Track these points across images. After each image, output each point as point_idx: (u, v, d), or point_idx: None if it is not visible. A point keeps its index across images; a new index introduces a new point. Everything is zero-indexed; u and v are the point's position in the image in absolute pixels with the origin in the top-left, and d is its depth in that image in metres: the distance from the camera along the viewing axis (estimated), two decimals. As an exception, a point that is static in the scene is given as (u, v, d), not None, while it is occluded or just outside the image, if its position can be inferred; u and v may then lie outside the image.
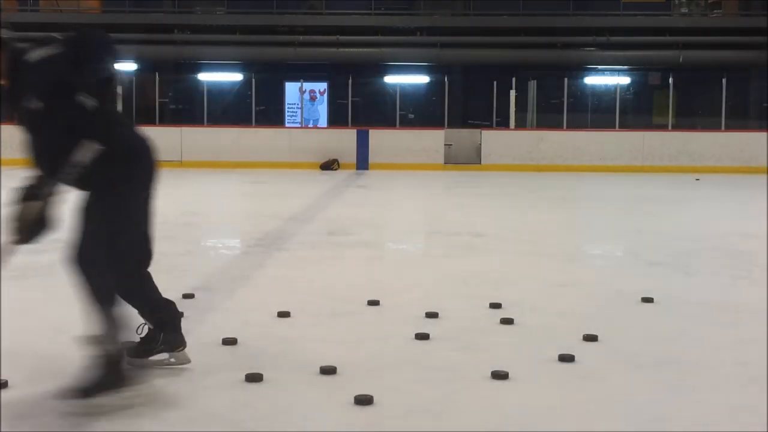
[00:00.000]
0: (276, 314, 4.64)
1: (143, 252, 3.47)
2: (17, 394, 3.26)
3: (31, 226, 3.18)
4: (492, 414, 3.16)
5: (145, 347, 3.54)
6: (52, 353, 3.87)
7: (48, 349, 3.94)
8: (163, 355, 3.56)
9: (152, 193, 3.43)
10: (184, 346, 3.59)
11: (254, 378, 3.44)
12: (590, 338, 4.17)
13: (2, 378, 3.34)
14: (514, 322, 4.49)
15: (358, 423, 3.05)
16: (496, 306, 4.87)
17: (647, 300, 5.06)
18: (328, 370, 3.57)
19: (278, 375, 3.54)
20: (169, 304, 3.60)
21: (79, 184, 3.24)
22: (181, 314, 3.65)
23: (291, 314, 4.61)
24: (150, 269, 3.54)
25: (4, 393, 3.25)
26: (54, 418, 3.04)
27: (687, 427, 3.04)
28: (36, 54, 3.12)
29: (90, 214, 3.25)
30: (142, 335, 3.53)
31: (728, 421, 3.14)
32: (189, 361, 3.60)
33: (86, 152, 3.12)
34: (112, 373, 3.12)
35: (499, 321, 4.51)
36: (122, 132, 3.33)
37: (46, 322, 4.46)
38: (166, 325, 3.53)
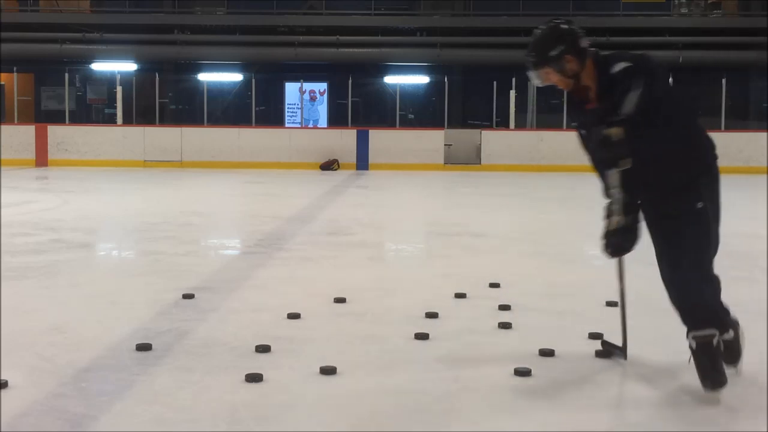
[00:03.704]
0: (276, 314, 4.64)
1: None
2: (17, 394, 3.26)
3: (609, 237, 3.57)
4: (492, 413, 3.16)
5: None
6: (52, 353, 3.87)
7: (48, 349, 3.94)
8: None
9: None
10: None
11: (254, 378, 3.44)
12: (591, 338, 4.18)
13: (2, 378, 3.34)
14: (514, 322, 4.49)
15: (358, 423, 3.04)
16: (496, 306, 4.87)
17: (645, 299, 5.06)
18: (328, 370, 3.57)
19: (278, 375, 3.54)
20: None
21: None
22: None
23: (291, 314, 4.60)
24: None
25: (4, 393, 3.25)
26: (54, 418, 3.04)
27: (687, 427, 3.04)
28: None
29: None
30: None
31: (728, 421, 3.13)
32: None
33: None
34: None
35: (499, 321, 4.51)
36: None
37: (46, 322, 4.45)
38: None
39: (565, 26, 3.41)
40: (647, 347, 4.10)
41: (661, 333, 4.41)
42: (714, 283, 3.39)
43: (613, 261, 3.80)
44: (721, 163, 3.47)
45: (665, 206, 3.38)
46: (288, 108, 22.95)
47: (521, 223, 9.65)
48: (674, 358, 3.93)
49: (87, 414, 3.08)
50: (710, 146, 3.42)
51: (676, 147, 3.33)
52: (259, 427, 2.99)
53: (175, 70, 22.83)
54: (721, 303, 3.43)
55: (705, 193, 3.31)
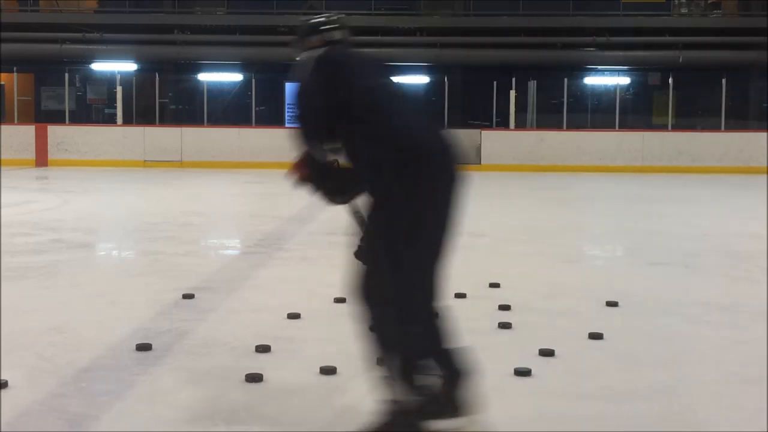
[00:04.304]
0: (276, 314, 4.64)
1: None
2: (17, 394, 3.26)
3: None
4: (492, 414, 3.16)
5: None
6: (52, 353, 3.87)
7: (48, 349, 3.94)
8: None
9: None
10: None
11: (254, 378, 3.44)
12: (591, 338, 4.18)
13: (2, 378, 3.34)
14: (514, 322, 4.49)
15: (358, 423, 3.04)
16: (495, 306, 4.87)
17: (644, 301, 5.06)
18: (328, 370, 3.57)
19: (278, 375, 3.54)
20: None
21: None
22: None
23: (291, 314, 4.60)
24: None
25: (4, 393, 3.25)
26: (54, 418, 3.04)
27: (687, 427, 3.04)
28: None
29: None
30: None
31: (728, 421, 3.13)
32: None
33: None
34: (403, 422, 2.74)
35: (499, 321, 4.50)
36: None
37: (46, 322, 4.45)
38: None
39: (304, 24, 3.10)
40: (647, 347, 4.10)
41: (660, 333, 4.41)
42: (382, 323, 2.75)
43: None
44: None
45: None
46: (288, 108, 22.95)
47: (521, 223, 9.65)
48: (673, 358, 3.93)
49: (87, 414, 3.08)
50: (409, 144, 2.79)
51: (354, 150, 2.89)
52: (259, 427, 2.99)
53: (175, 70, 22.82)
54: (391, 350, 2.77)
55: (371, 208, 2.77)
